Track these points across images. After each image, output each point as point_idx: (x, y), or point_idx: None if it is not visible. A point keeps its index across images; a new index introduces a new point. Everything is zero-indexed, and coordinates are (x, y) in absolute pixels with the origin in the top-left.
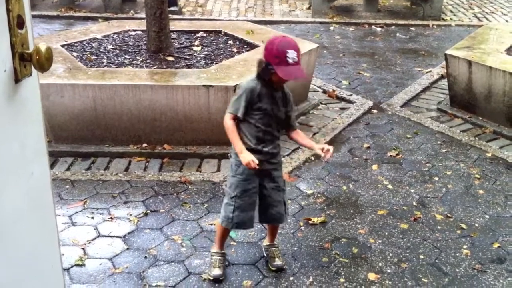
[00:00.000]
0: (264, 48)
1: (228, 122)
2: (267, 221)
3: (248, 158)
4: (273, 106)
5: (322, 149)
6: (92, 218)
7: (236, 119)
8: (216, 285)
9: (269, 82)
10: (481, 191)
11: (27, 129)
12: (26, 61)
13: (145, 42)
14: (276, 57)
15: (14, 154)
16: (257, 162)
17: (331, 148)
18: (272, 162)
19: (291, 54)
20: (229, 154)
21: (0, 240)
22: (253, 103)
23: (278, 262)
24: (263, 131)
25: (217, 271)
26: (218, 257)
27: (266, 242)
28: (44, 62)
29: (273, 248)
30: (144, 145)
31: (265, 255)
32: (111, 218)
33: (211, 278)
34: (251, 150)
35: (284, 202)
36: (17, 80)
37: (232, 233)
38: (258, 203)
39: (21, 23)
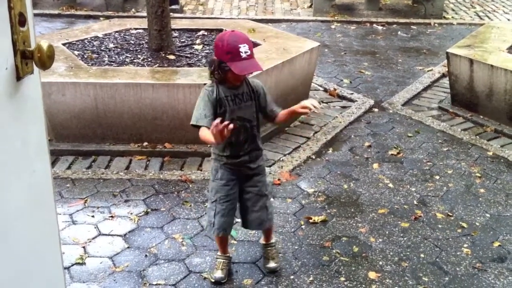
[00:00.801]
0: (214, 46)
1: (201, 131)
2: (248, 227)
3: (213, 129)
4: (235, 106)
5: (303, 107)
6: (93, 216)
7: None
8: (217, 284)
9: (225, 81)
10: (482, 190)
11: (28, 126)
12: (28, 58)
13: (146, 40)
14: (228, 53)
15: (15, 151)
16: (215, 123)
17: (308, 102)
18: (251, 167)
19: (243, 48)
20: (211, 158)
21: (2, 238)
22: (214, 110)
23: (272, 264)
24: (234, 136)
25: (219, 274)
26: (222, 260)
27: (262, 241)
28: (45, 60)
29: (268, 248)
30: (145, 143)
31: (262, 253)
32: (112, 216)
33: (213, 280)
34: (228, 155)
35: (266, 207)
36: (18, 77)
37: (233, 232)
38: (239, 208)
39: (23, 21)
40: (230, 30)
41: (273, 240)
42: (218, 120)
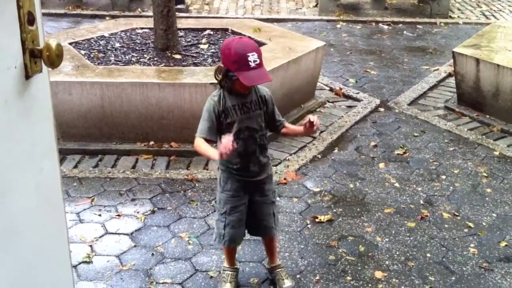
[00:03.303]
0: (221, 53)
1: (196, 142)
2: (256, 234)
3: (220, 150)
4: (243, 115)
5: (305, 125)
6: (100, 215)
7: (207, 141)
8: None
9: (233, 89)
10: (488, 190)
11: (37, 125)
12: (37, 57)
13: (152, 40)
14: (235, 62)
15: (24, 150)
16: (230, 140)
17: (312, 118)
18: (260, 178)
19: (252, 57)
20: (217, 167)
21: (11, 236)
22: (221, 121)
23: (288, 283)
24: (243, 147)
25: (228, 286)
26: (230, 272)
27: (268, 264)
28: (54, 59)
29: (278, 270)
30: (151, 143)
31: (269, 277)
32: (119, 215)
33: None
34: (236, 167)
35: (274, 214)
36: (27, 76)
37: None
38: (250, 217)
39: (31, 20)
40: (238, 37)
41: (279, 262)
42: (230, 139)
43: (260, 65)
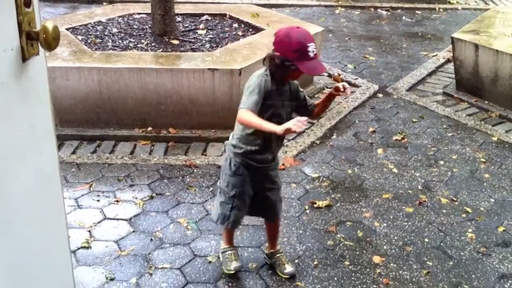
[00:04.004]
0: (278, 42)
1: (245, 113)
2: (262, 217)
3: (290, 124)
4: (279, 103)
5: (337, 89)
6: (98, 201)
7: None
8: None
9: (281, 78)
10: (486, 175)
11: (35, 108)
12: (33, 39)
13: (150, 25)
14: (296, 51)
15: (23, 133)
16: (304, 119)
17: (342, 85)
18: (270, 165)
19: (311, 47)
20: (223, 148)
21: (11, 221)
22: (265, 101)
23: (289, 268)
24: (270, 132)
25: (235, 264)
26: (232, 251)
27: (268, 249)
28: (51, 41)
29: (278, 255)
30: (149, 128)
31: (268, 263)
32: (117, 201)
33: (232, 271)
34: (254, 152)
35: (281, 199)
36: (24, 59)
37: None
38: (258, 202)
39: (28, 2)
40: (295, 26)
41: (279, 247)
42: (304, 119)
43: (317, 55)
